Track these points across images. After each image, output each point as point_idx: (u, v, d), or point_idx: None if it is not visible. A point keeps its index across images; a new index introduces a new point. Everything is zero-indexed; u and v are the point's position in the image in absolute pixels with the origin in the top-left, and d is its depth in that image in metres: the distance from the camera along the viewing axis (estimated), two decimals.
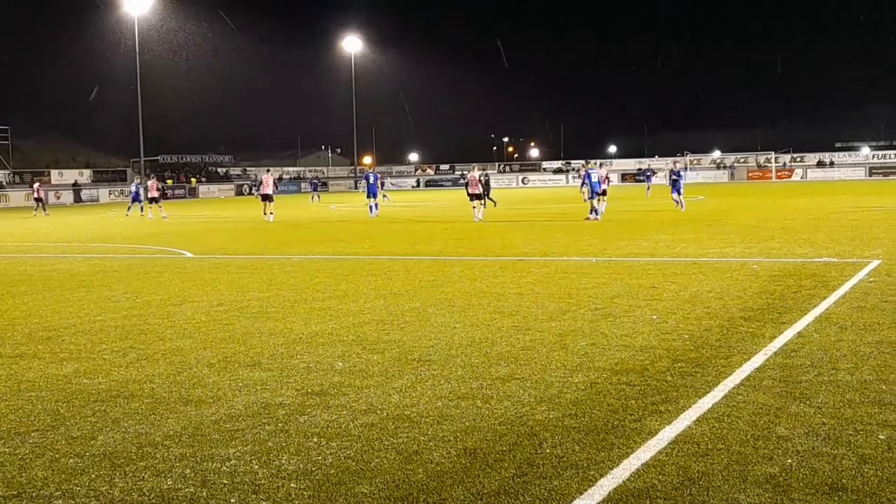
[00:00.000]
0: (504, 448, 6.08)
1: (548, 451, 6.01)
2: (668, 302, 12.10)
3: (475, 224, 31.54)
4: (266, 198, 38.36)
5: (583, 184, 33.20)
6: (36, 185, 59.38)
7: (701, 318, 10.79)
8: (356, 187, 59.56)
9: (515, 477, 5.53)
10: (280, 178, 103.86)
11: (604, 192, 33.87)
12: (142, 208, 47.51)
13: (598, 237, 23.88)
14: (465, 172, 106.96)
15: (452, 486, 5.39)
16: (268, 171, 47.92)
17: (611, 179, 35.46)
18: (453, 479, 5.51)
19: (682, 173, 37.57)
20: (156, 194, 46.38)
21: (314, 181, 73.85)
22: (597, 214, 32.00)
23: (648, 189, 57.90)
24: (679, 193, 36.08)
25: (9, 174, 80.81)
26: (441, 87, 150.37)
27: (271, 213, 37.45)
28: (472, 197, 33.85)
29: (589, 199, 32.50)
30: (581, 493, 5.26)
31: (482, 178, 35.12)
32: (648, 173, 63.17)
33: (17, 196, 73.55)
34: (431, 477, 5.57)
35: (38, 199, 56.32)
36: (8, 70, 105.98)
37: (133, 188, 50.51)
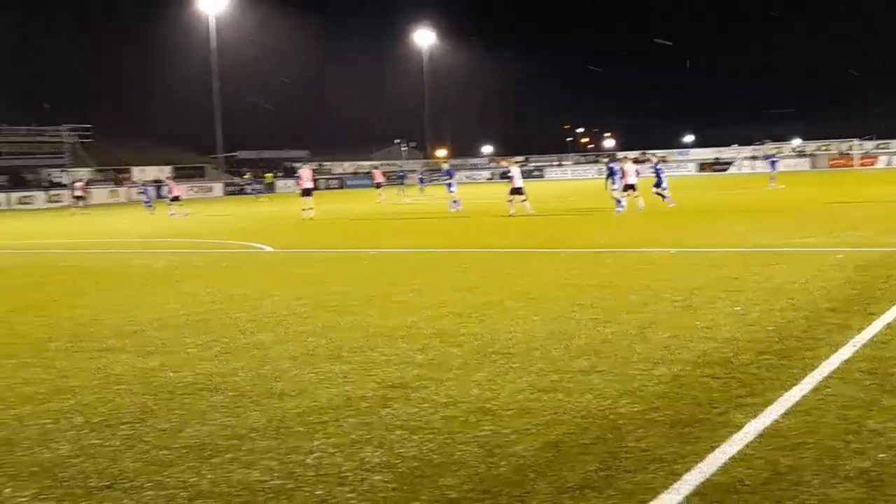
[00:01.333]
0: (587, 441, 6.04)
1: (631, 444, 5.95)
2: (750, 293, 11.90)
3: (548, 217, 31.37)
4: (306, 192, 36.43)
5: (607, 178, 32.66)
6: (78, 184, 60.20)
7: (785, 310, 10.58)
8: (421, 182, 59.03)
9: (599, 470, 5.49)
10: (355, 173, 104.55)
11: (631, 187, 31.88)
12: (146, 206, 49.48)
13: (676, 228, 23.60)
14: (539, 164, 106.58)
15: (536, 480, 5.37)
16: (304, 164, 45.99)
17: (640, 172, 33.69)
18: (536, 473, 5.49)
19: (661, 167, 34.91)
20: (177, 193, 47.05)
21: (400, 173, 73.23)
22: (620, 207, 30.83)
23: (773, 179, 50.84)
24: (659, 186, 33.56)
25: (92, 171, 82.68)
26: (515, 79, 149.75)
27: (311, 209, 35.37)
28: (514, 191, 32.66)
29: (614, 192, 31.80)
30: (667, 488, 5.19)
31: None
32: (774, 160, 55.03)
33: (100, 193, 75.23)
34: (514, 470, 5.55)
35: (78, 198, 57.09)
36: (89, 70, 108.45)
37: (148, 188, 52.85)
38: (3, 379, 8.54)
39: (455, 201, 36.97)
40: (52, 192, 72.94)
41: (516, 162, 37.76)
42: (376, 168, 57.17)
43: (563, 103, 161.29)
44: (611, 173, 32.15)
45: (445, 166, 45.37)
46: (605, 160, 35.19)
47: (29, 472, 5.82)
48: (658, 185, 33.81)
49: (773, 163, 54.02)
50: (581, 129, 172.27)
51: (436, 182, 74.74)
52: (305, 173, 37.96)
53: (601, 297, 12.07)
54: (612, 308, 11.18)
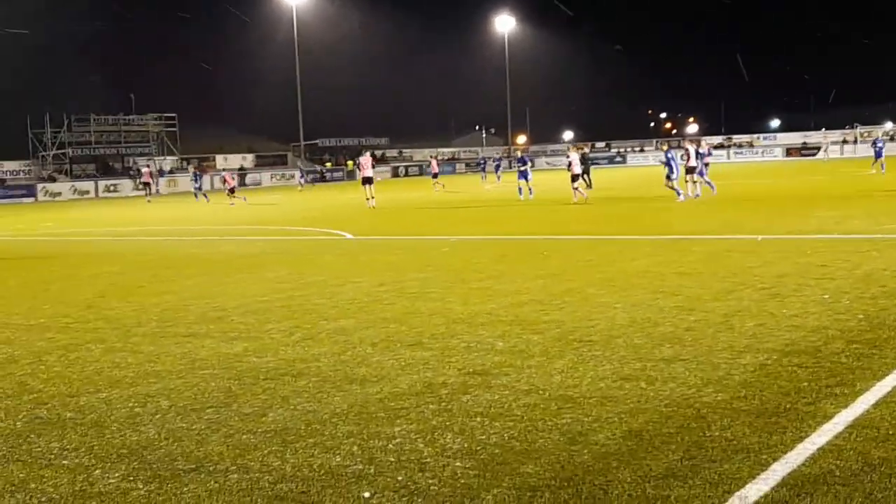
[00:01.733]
0: (671, 430, 5.95)
1: (716, 433, 5.85)
2: (840, 280, 11.61)
3: (629, 203, 31.05)
4: (366, 181, 35.31)
5: (666, 165, 30.94)
6: (145, 170, 60.39)
7: (877, 298, 10.30)
8: (497, 169, 58.07)
9: (683, 460, 5.40)
10: (436, 158, 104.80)
11: (691, 171, 31.02)
12: (196, 195, 49.57)
13: (761, 214, 23.15)
14: (621, 150, 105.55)
15: (618, 468, 5.31)
16: (365, 152, 42.52)
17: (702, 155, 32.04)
18: (619, 461, 5.43)
19: (673, 155, 32.18)
20: (233, 184, 46.99)
21: (481, 160, 71.67)
22: (679, 196, 29.90)
23: (882, 165, 46.18)
24: (671, 179, 31.39)
25: (177, 160, 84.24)
26: (596, 64, 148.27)
27: (372, 198, 34.41)
28: (574, 178, 31.97)
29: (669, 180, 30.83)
30: (753, 478, 5.08)
31: (582, 158, 34.36)
32: (880, 144, 49.69)
33: (185, 181, 76.58)
34: (597, 458, 5.49)
35: (146, 184, 57.29)
36: (173, 58, 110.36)
37: (196, 177, 52.64)
38: (92, 363, 8.74)
39: (521, 189, 35.27)
40: (139, 181, 74.51)
41: (578, 148, 36.46)
42: (434, 157, 56.41)
43: (646, 88, 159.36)
44: (669, 162, 30.77)
45: (514, 153, 44.48)
46: (664, 148, 32.68)
47: (117, 454, 5.95)
48: (669, 177, 31.77)
49: (879, 148, 49.22)
50: (664, 115, 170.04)
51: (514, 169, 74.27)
52: (366, 161, 36.69)
53: (684, 285, 11.89)
54: (696, 296, 11.00)
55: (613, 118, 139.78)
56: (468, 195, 43.45)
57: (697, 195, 30.42)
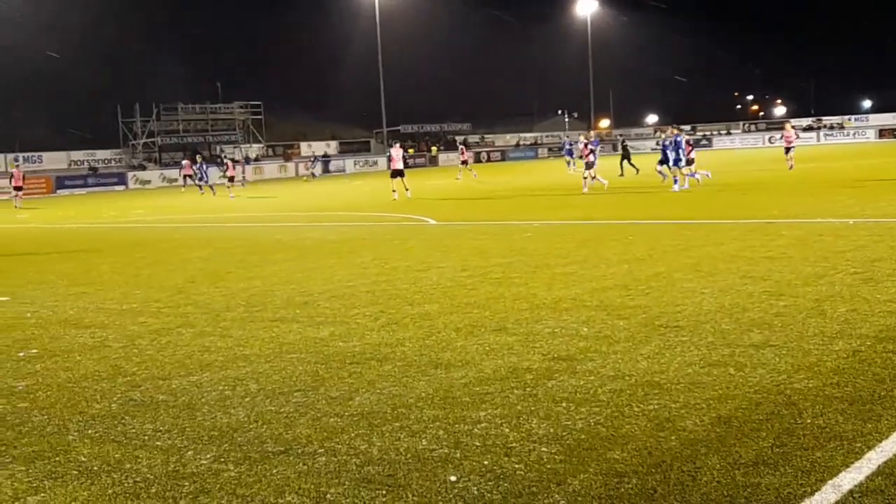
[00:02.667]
0: (760, 417, 5.85)
1: (808, 421, 5.73)
2: None
3: (717, 187, 30.54)
4: (396, 174, 33.06)
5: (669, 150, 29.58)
6: (185, 162, 56.55)
7: None
8: (570, 154, 56.64)
9: (774, 447, 5.31)
10: (518, 144, 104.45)
11: (687, 161, 30.06)
12: (201, 187, 47.70)
13: (854, 197, 22.58)
14: (707, 133, 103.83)
15: (707, 455, 5.24)
16: (395, 143, 38.65)
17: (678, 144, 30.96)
18: (708, 448, 5.35)
19: (670, 142, 31.03)
20: (233, 173, 46.31)
21: (564, 144, 69.69)
22: (676, 184, 29.09)
23: None
24: (664, 164, 30.69)
25: (262, 147, 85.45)
26: (681, 45, 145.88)
27: (407, 189, 32.47)
28: (589, 165, 31.32)
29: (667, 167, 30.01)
30: (847, 466, 4.97)
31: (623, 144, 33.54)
32: None
33: (271, 168, 77.71)
34: (685, 444, 5.43)
35: (187, 176, 53.76)
36: (258, 48, 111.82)
37: (201, 167, 49.43)
38: (182, 347, 8.93)
39: (591, 177, 33.01)
40: (225, 174, 75.76)
41: (678, 130, 34.60)
42: (464, 145, 54.77)
43: (732, 70, 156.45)
44: (668, 148, 29.77)
45: (578, 138, 42.80)
46: (675, 132, 31.16)
47: (208, 436, 6.07)
48: (663, 162, 31.31)
49: None
50: (751, 97, 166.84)
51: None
52: (396, 153, 34.04)
53: (774, 270, 11.66)
54: (786, 281, 10.79)
55: (699, 101, 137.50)
56: (550, 181, 43.20)
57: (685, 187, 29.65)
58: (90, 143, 76.58)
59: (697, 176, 30.85)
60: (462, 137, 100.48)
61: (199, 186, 48.27)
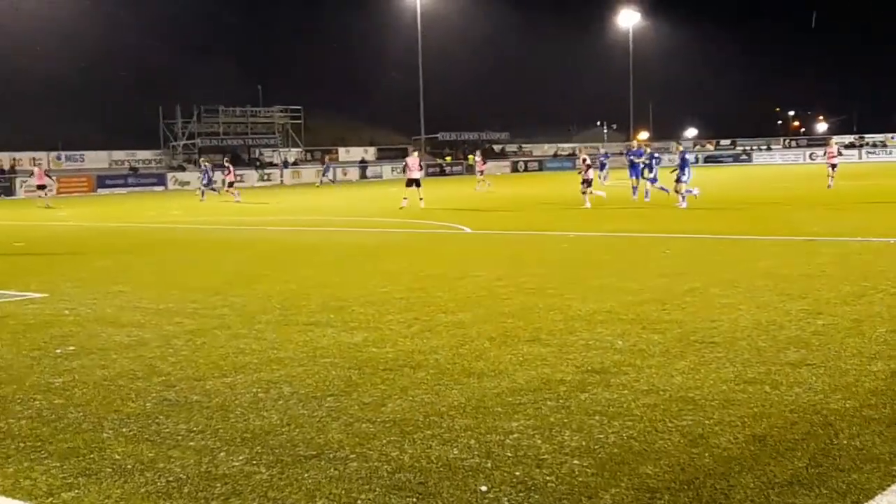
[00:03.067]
0: (796, 437, 5.79)
1: (844, 442, 5.66)
2: None
3: (756, 204, 30.29)
4: (412, 182, 32.21)
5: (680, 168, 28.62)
6: (206, 165, 51.68)
7: None
8: (602, 168, 55.48)
9: (809, 467, 5.25)
10: (556, 154, 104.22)
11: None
12: (203, 193, 46.35)
13: (895, 216, 22.32)
14: (747, 148, 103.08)
15: (741, 473, 5.19)
16: (413, 151, 37.79)
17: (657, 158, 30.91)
18: (741, 466, 5.31)
19: (656, 157, 31.18)
20: (233, 178, 45.26)
21: (601, 156, 68.08)
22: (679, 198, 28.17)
23: None
24: (645, 180, 30.61)
25: (301, 151, 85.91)
26: (722, 59, 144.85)
27: (421, 199, 31.67)
28: (586, 182, 30.68)
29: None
30: (883, 489, 4.90)
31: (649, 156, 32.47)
32: None
33: (308, 172, 78.05)
34: (718, 462, 5.38)
35: (231, 184, 46.75)
36: (298, 53, 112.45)
37: (206, 172, 47.68)
38: (217, 348, 8.98)
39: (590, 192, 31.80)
40: (264, 171, 76.18)
41: (646, 144, 33.11)
42: (478, 157, 53.41)
43: (774, 85, 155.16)
44: (683, 164, 28.75)
45: (602, 151, 41.25)
46: (680, 148, 30.91)
47: (241, 438, 6.09)
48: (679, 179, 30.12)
49: None
50: (791, 112, 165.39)
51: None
52: (413, 162, 33.13)
53: (812, 287, 11.55)
54: (824, 299, 10.68)
55: (739, 115, 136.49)
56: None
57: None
58: (131, 143, 77.36)
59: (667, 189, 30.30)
60: (500, 146, 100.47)
61: (202, 192, 46.81)
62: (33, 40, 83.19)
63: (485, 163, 53.06)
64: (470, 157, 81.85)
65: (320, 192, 53.35)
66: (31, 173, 48.68)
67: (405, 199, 31.71)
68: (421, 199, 31.73)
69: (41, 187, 45.19)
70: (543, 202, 32.60)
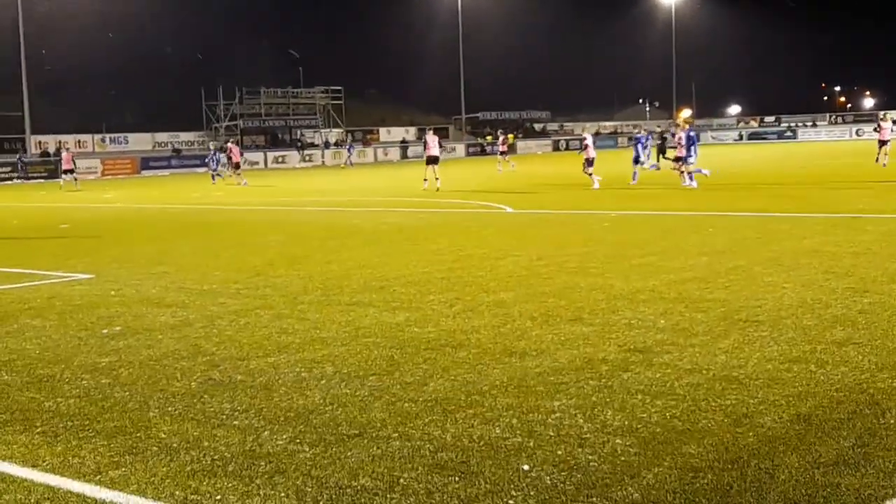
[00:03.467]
0: (842, 416, 5.73)
1: (891, 421, 5.60)
2: None
3: (800, 180, 29.88)
4: (431, 160, 31.83)
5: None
6: (216, 151, 49.20)
7: None
8: (617, 144, 54.52)
9: (855, 447, 5.20)
10: (597, 133, 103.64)
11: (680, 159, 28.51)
12: (213, 176, 45.28)
13: None
14: (791, 125, 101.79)
15: (785, 453, 5.15)
16: (429, 129, 37.05)
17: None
18: (786, 446, 5.26)
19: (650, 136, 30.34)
20: (238, 160, 43.66)
21: (639, 137, 67.02)
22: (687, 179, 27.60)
23: None
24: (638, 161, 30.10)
25: (342, 132, 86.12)
26: (766, 34, 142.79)
27: (437, 179, 31.00)
28: (588, 162, 30.26)
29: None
30: None
31: (660, 136, 31.78)
32: None
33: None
34: (763, 441, 5.34)
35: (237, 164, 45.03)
36: (340, 34, 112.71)
37: (213, 155, 46.74)
38: (261, 328, 9.05)
39: (649, 167, 32.17)
40: (306, 152, 76.48)
41: (688, 122, 32.32)
42: (504, 135, 50.94)
43: (819, 60, 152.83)
44: (690, 143, 28.28)
45: (636, 131, 40.34)
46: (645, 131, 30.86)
47: (285, 417, 6.14)
48: (637, 161, 30.55)
49: None
50: (838, 88, 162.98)
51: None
52: (431, 140, 32.68)
53: (858, 265, 11.40)
54: (871, 277, 10.54)
55: (784, 91, 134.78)
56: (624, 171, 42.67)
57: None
58: (175, 125, 78.00)
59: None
60: (541, 125, 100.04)
61: (212, 176, 45.92)
62: (76, 26, 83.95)
63: (507, 142, 50.47)
64: (510, 136, 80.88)
65: (357, 173, 53.41)
66: (60, 158, 48.47)
67: (426, 180, 31.51)
68: (437, 178, 31.17)
69: (68, 171, 45.09)
70: (582, 183, 32.38)
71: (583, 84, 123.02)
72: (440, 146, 33.87)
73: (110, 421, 6.23)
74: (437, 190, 30.16)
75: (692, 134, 29.32)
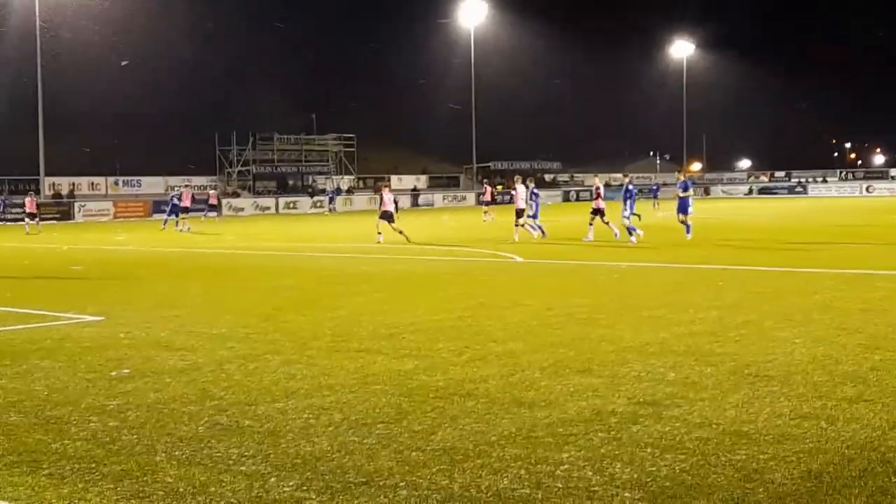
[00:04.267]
0: (853, 474, 5.69)
1: None
2: None
3: (810, 236, 29.89)
4: (385, 216, 30.18)
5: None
6: (212, 192, 52.26)
7: None
8: (655, 196, 55.25)
9: None
10: (607, 185, 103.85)
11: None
12: (176, 222, 43.08)
13: None
14: (802, 180, 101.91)
15: None
16: (382, 186, 36.18)
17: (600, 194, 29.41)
18: (797, 502, 5.22)
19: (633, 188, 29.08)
20: (188, 204, 43.40)
21: (653, 187, 66.97)
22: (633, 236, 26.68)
23: None
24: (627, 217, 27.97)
25: (354, 179, 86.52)
26: (777, 90, 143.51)
27: (400, 232, 29.23)
28: (519, 213, 29.42)
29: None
30: None
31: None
32: None
33: (361, 199, 78.51)
34: (773, 498, 5.30)
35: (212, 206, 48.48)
36: (353, 82, 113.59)
37: (173, 199, 44.62)
38: (269, 374, 9.04)
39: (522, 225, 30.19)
40: (316, 198, 76.79)
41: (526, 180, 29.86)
42: (489, 184, 51.23)
43: (829, 116, 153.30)
44: (626, 196, 27.95)
45: (654, 180, 38.95)
46: (627, 179, 30.18)
47: (292, 464, 6.12)
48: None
49: None
50: (848, 144, 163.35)
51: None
52: (387, 196, 31.28)
53: (869, 322, 11.36)
54: (882, 334, 10.50)
55: (794, 147, 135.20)
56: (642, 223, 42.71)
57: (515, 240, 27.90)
58: (187, 169, 78.47)
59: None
60: (551, 176, 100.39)
61: (164, 221, 44.19)
62: (92, 69, 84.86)
63: (495, 193, 50.55)
64: (499, 186, 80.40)
65: (366, 220, 53.47)
66: (23, 203, 46.62)
67: (380, 233, 29.85)
68: (401, 232, 29.48)
69: (32, 216, 44.64)
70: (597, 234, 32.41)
71: (595, 136, 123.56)
72: (395, 203, 32.25)
73: (117, 464, 6.21)
74: (406, 242, 28.81)
75: (630, 188, 28.72)
